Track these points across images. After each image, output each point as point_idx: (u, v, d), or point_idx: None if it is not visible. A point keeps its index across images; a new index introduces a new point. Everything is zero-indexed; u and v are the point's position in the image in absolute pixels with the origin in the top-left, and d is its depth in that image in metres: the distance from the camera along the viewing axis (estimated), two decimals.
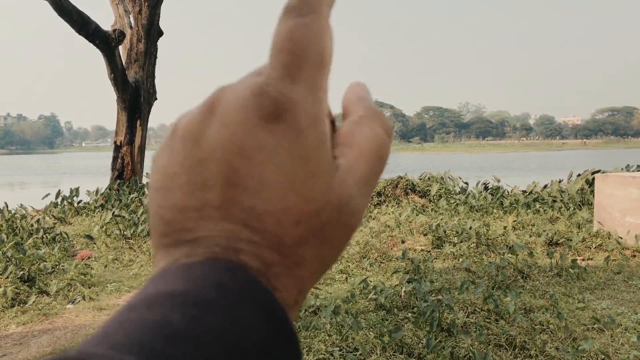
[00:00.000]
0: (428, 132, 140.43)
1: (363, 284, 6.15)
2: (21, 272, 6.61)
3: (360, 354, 4.31)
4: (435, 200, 12.54)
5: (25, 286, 6.42)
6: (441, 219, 9.91)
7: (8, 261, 6.80)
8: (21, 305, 6.00)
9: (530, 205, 11.07)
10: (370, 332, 4.69)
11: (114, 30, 13.34)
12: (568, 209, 10.66)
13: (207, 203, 0.31)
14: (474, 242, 8.24)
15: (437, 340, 4.54)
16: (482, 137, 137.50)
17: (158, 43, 14.87)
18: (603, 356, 4.24)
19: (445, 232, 8.71)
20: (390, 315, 5.32)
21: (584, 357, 4.24)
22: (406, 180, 13.53)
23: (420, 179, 14.33)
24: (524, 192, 12.39)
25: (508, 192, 12.87)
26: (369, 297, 5.71)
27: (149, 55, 14.59)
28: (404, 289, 5.70)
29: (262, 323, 0.29)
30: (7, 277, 6.42)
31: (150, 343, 0.27)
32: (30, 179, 41.44)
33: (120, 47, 13.90)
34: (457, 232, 8.64)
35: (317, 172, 0.31)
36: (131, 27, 14.40)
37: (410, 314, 5.26)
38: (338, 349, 4.42)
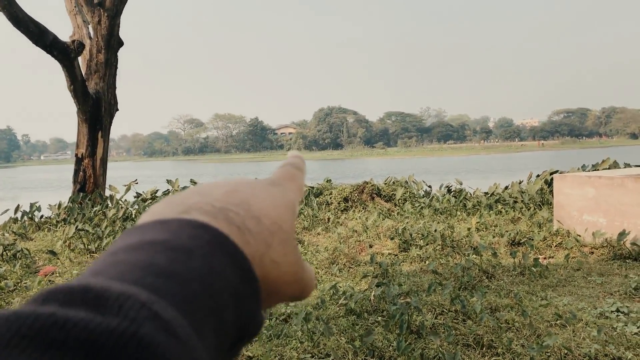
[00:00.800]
0: (391, 137, 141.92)
1: (333, 290, 6.20)
2: None
3: (333, 359, 4.36)
4: (401, 204, 12.72)
5: None
6: (407, 223, 10.06)
7: None
8: None
9: (493, 207, 11.35)
10: (342, 337, 4.74)
11: (73, 41, 13.10)
12: (529, 209, 10.97)
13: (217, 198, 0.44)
14: (439, 245, 8.40)
15: (407, 343, 4.63)
16: (443, 141, 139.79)
17: (118, 53, 14.67)
18: (566, 351, 4.39)
19: (411, 235, 8.86)
20: (360, 319, 5.38)
21: (548, 352, 4.39)
22: (372, 186, 13.68)
23: (385, 184, 14.51)
24: (486, 193, 12.69)
25: (470, 194, 13.16)
26: (339, 302, 5.76)
27: (110, 66, 14.38)
28: (373, 293, 5.77)
29: (232, 269, 0.37)
30: None
31: (142, 279, 0.33)
32: None
33: (80, 58, 13.65)
34: (423, 235, 8.80)
35: (285, 204, 0.47)
36: (90, 38, 14.17)
37: (380, 318, 5.34)
38: (310, 355, 4.46)
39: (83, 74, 13.69)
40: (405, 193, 13.44)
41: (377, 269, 7.22)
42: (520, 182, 13.24)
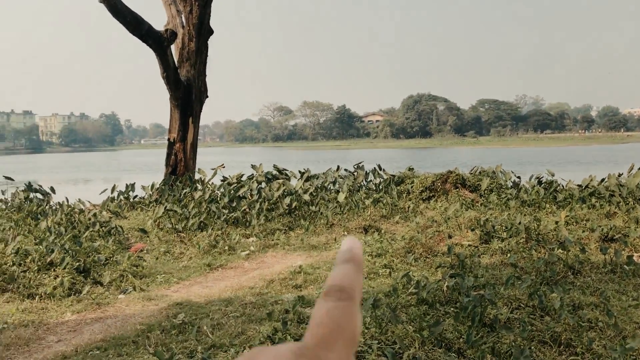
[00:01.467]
0: (484, 126, 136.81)
1: (406, 279, 6.11)
2: (77, 264, 6.95)
3: (399, 348, 4.30)
4: (486, 195, 12.27)
5: (80, 277, 6.75)
6: (490, 214, 9.69)
7: (65, 253, 7.15)
8: (76, 294, 6.30)
9: (586, 200, 10.65)
10: (410, 326, 4.66)
11: (166, 30, 13.75)
12: (627, 204, 10.20)
13: None
14: (523, 238, 8.02)
15: (479, 336, 4.47)
16: (540, 130, 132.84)
17: (208, 42, 15.20)
18: None
19: (493, 227, 8.52)
20: (432, 309, 5.26)
21: (632, 355, 4.08)
22: (456, 175, 13.29)
23: (471, 174, 14.05)
24: (580, 186, 11.93)
25: (562, 186, 12.44)
26: (410, 291, 5.67)
27: (200, 54, 14.93)
28: (446, 284, 5.62)
29: None
30: (64, 268, 6.76)
31: None
32: (93, 175, 43.25)
33: (173, 47, 14.30)
34: (506, 228, 8.43)
35: None
36: (183, 27, 14.76)
37: (452, 309, 5.19)
38: (377, 342, 4.42)
39: (175, 61, 14.32)
40: (491, 183, 12.94)
41: (454, 260, 7.02)
42: (619, 175, 12.33)
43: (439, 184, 13.21)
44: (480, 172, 13.97)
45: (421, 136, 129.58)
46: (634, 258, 6.81)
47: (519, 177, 13.74)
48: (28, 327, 5.28)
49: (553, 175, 13.06)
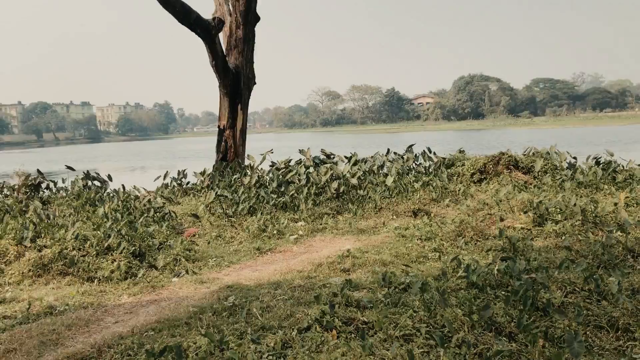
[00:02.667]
0: (539, 106, 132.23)
1: (455, 262, 6.03)
2: (133, 248, 7.20)
3: (448, 331, 4.25)
4: (540, 177, 11.90)
5: (136, 261, 6.99)
6: (544, 196, 9.39)
7: (122, 238, 7.42)
8: (132, 278, 6.54)
9: None
10: (459, 310, 4.60)
11: (214, 19, 13.92)
12: None
13: None
14: (579, 220, 7.75)
15: (530, 320, 4.36)
16: (599, 109, 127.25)
17: (255, 29, 15.29)
18: None
19: (547, 209, 8.26)
20: (482, 293, 5.17)
21: None
22: (508, 157, 12.94)
23: (524, 155, 13.64)
24: None
25: (622, 167, 11.91)
26: (460, 274, 5.58)
27: (248, 41, 15.05)
28: (497, 267, 5.51)
29: None
30: (121, 253, 7.02)
31: None
32: (148, 163, 44.59)
33: (220, 35, 14.47)
34: (561, 210, 8.17)
35: None
36: (230, 15, 14.90)
37: (503, 293, 5.08)
38: (425, 325, 4.39)
39: (223, 49, 14.50)
40: (545, 165, 12.53)
41: (505, 243, 6.86)
42: None
43: (491, 166, 12.90)
44: (533, 153, 13.54)
45: (473, 117, 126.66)
46: None
47: (575, 158, 13.24)
48: (87, 308, 5.53)
49: (612, 155, 12.52)
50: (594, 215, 7.91)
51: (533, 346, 3.86)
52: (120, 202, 10.48)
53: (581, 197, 9.40)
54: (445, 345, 3.93)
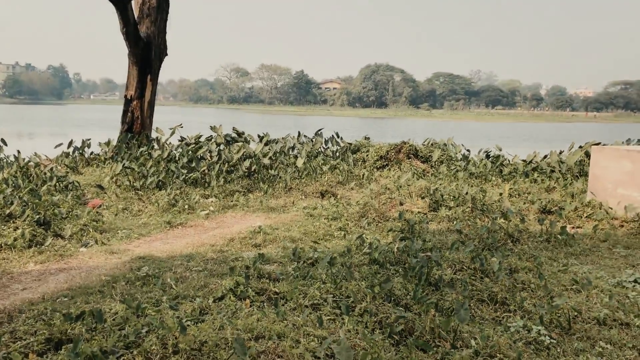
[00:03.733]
0: (438, 99, 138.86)
1: (359, 240, 6.50)
2: (37, 216, 7.00)
3: (352, 301, 4.67)
4: (437, 166, 12.82)
5: (41, 229, 6.81)
6: (440, 184, 10.20)
7: (25, 205, 7.18)
8: (37, 246, 6.39)
9: (529, 174, 11.33)
10: (362, 283, 5.05)
11: None
12: (565, 180, 10.92)
13: None
14: (469, 207, 8.55)
15: (424, 293, 4.90)
16: (492, 106, 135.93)
17: None
18: (576, 313, 4.58)
19: (442, 196, 9.02)
20: (382, 269, 5.67)
21: (558, 313, 4.59)
22: (409, 146, 13.78)
23: (424, 145, 14.57)
24: (524, 161, 12.63)
25: (509, 161, 13.12)
26: (364, 251, 6.06)
27: (161, 11, 14.67)
28: (397, 246, 6.04)
29: None
30: (25, 220, 6.81)
31: None
32: (39, 130, 41.80)
33: (133, 2, 13.98)
34: (454, 197, 8.95)
35: None
36: None
37: (401, 269, 5.61)
38: (332, 296, 4.78)
39: (135, 17, 14.04)
40: (442, 155, 13.50)
41: (404, 225, 7.46)
42: (560, 152, 13.10)
43: (393, 154, 13.67)
44: (432, 144, 14.51)
45: (377, 106, 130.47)
46: (568, 229, 7.43)
47: (468, 151, 14.37)
48: None
49: (500, 150, 13.73)
50: (482, 203, 8.76)
51: (426, 315, 4.37)
52: (19, 169, 9.99)
53: (472, 186, 10.31)
54: (350, 313, 4.34)
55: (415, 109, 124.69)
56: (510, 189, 9.99)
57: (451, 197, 9.01)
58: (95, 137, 14.47)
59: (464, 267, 5.75)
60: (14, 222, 6.78)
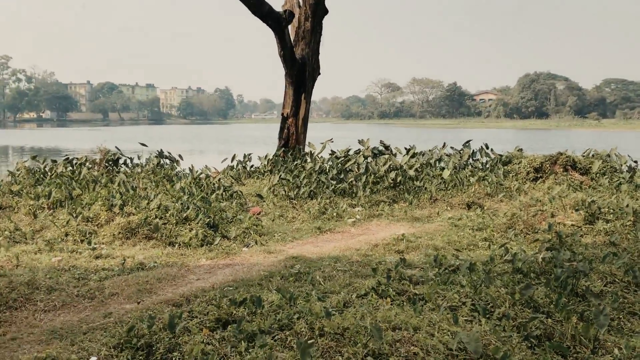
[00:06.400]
0: (608, 107, 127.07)
1: (503, 250, 6.47)
2: (208, 220, 8.01)
3: (491, 306, 4.75)
4: (597, 178, 12.02)
5: (210, 231, 7.80)
6: (599, 197, 9.60)
7: (198, 210, 8.25)
8: (208, 245, 7.35)
9: None
10: (503, 289, 5.08)
11: (285, 11, 14.62)
12: None
13: None
14: (630, 220, 7.98)
15: (569, 302, 4.80)
16: None
17: (323, 21, 15.90)
18: None
19: (599, 208, 8.51)
20: (526, 279, 5.61)
21: None
22: (566, 157, 13.07)
23: (583, 156, 13.72)
24: None
25: None
26: (506, 259, 6.04)
27: (315, 33, 15.69)
28: (542, 256, 5.93)
29: None
30: (198, 223, 7.84)
31: None
32: (207, 146, 46.25)
33: (289, 26, 15.17)
34: (613, 210, 8.40)
35: None
36: (300, 7, 15.56)
37: (545, 279, 5.51)
38: (470, 300, 4.90)
39: (292, 40, 15.20)
40: (604, 167, 12.61)
41: (553, 238, 7.22)
42: None
43: (548, 165, 13.07)
44: (592, 155, 13.61)
45: (537, 117, 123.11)
46: None
47: (635, 162, 13.23)
48: (172, 267, 6.35)
49: None
50: None
51: (567, 322, 4.32)
52: (192, 179, 11.40)
53: (636, 199, 9.55)
54: (488, 316, 4.44)
55: (582, 119, 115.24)
56: None
57: (610, 210, 8.47)
58: (256, 152, 15.84)
59: (616, 279, 5.48)
60: (189, 225, 7.84)
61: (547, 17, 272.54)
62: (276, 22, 14.34)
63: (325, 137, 15.82)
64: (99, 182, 10.38)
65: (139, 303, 5.06)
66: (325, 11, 15.78)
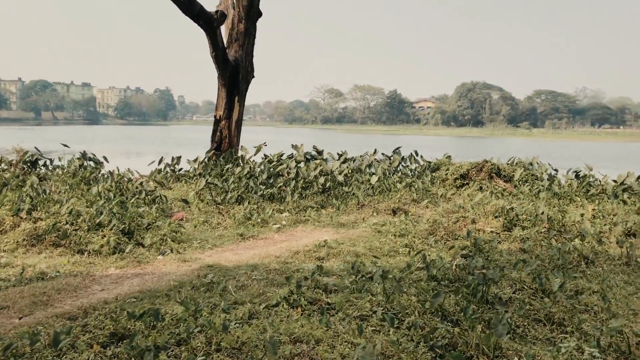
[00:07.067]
0: (539, 117, 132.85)
1: (421, 257, 6.48)
2: (122, 226, 7.65)
3: (401, 315, 4.71)
4: (519, 186, 12.40)
5: (125, 238, 7.44)
6: (518, 204, 9.86)
7: (113, 216, 7.86)
8: (120, 253, 6.99)
9: (618, 195, 10.67)
10: (414, 297, 5.06)
11: (217, 12, 14.32)
12: None
13: None
14: (545, 227, 8.22)
15: (478, 310, 4.82)
16: (598, 125, 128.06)
17: (258, 24, 15.69)
18: (639, 338, 4.32)
19: (517, 215, 8.73)
20: (440, 286, 5.63)
21: (620, 337, 4.35)
22: (491, 164, 13.45)
23: (507, 164, 14.15)
24: (615, 181, 11.90)
25: (599, 181, 12.41)
26: (419, 266, 6.05)
27: (249, 35, 15.47)
28: (456, 263, 5.98)
29: None
30: (111, 229, 7.46)
31: None
32: (145, 148, 44.93)
33: (223, 27, 14.88)
34: (530, 217, 8.64)
35: None
36: (234, 8, 15.31)
37: (458, 286, 5.54)
38: (382, 308, 4.84)
39: (224, 42, 14.91)
40: (526, 175, 13.04)
41: (471, 244, 7.33)
42: None
43: (474, 172, 13.40)
44: (516, 163, 14.06)
45: (473, 125, 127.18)
46: None
47: (555, 170, 13.76)
48: (77, 277, 5.98)
49: (591, 169, 13.02)
50: (560, 224, 8.39)
51: (472, 331, 4.33)
52: (113, 182, 10.92)
53: (554, 207, 9.88)
54: (397, 325, 4.39)
55: (514, 127, 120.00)
56: (594, 209, 9.46)
57: (527, 217, 8.71)
58: (192, 155, 15.40)
59: (525, 286, 5.58)
60: (102, 231, 7.45)
61: (484, 27, 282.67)
62: (208, 22, 14.04)
63: (263, 140, 15.59)
64: (9, 184, 9.75)
65: (20, 319, 4.68)
66: (259, 14, 15.59)
